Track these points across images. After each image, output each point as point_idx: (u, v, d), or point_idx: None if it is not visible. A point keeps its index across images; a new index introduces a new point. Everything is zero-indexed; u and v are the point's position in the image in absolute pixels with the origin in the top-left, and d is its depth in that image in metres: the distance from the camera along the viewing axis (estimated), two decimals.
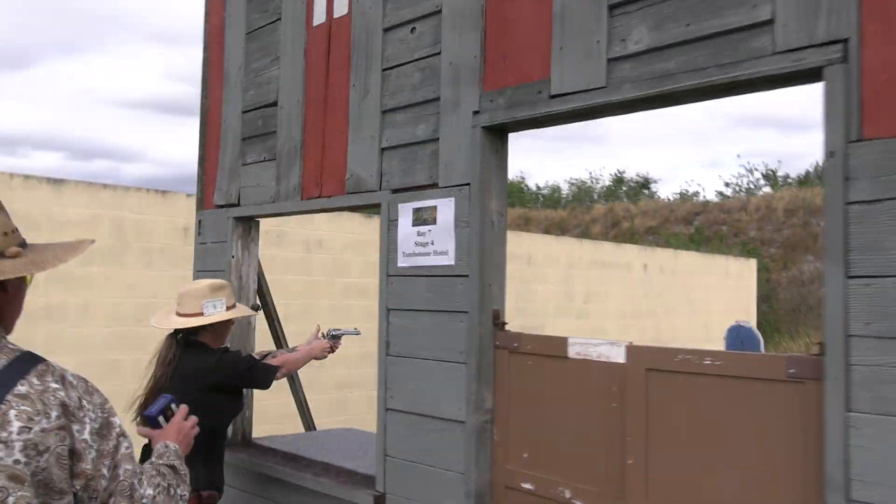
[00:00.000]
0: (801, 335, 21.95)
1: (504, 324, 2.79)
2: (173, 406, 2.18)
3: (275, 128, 3.73)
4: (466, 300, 2.77)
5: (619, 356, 2.38)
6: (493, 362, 2.76)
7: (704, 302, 13.28)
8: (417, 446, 2.92)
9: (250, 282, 4.06)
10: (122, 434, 1.69)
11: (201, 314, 3.16)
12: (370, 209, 3.48)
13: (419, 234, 2.96)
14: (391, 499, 2.99)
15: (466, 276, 2.78)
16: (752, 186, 35.47)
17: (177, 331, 3.20)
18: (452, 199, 2.84)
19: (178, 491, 1.91)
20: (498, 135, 2.83)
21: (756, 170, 35.83)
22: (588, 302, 10.82)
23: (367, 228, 8.22)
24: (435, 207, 2.90)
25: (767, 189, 34.89)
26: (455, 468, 2.77)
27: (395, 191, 3.09)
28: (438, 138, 2.93)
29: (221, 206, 4.08)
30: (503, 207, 2.84)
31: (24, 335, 2.00)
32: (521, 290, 9.93)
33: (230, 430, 3.77)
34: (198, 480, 3.08)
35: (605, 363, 2.43)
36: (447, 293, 2.84)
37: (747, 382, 2.07)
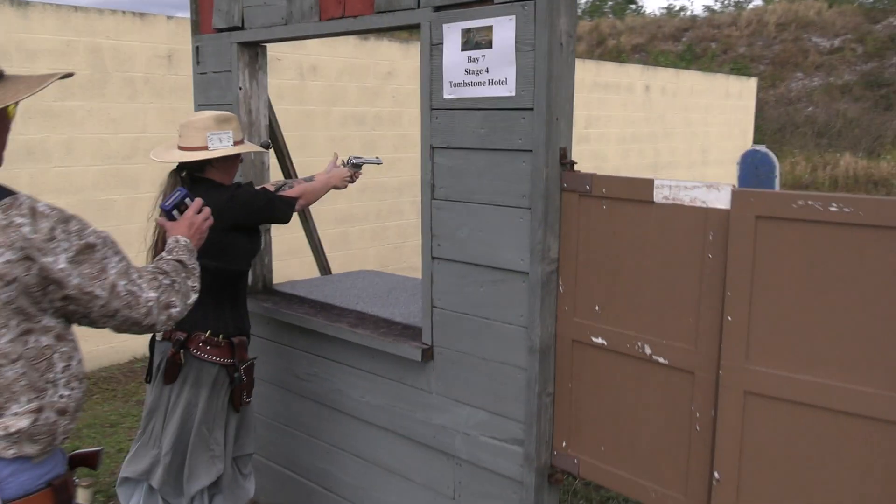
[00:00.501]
0: (785, 154, 21.87)
1: (572, 163, 2.46)
2: (187, 200, 2.25)
3: None
4: (530, 137, 2.43)
5: (720, 201, 2.09)
6: (559, 207, 2.47)
7: (703, 124, 12.92)
8: (470, 298, 2.68)
9: (261, 116, 3.65)
10: (111, 253, 1.72)
11: (206, 148, 2.80)
12: (396, 31, 3.03)
13: (470, 59, 2.55)
14: (440, 352, 2.80)
15: (530, 108, 2.41)
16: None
17: (180, 166, 2.85)
18: (513, 17, 2.41)
19: (188, 283, 1.96)
20: None
21: None
22: (588, 127, 10.43)
23: (361, 52, 7.61)
24: (490, 28, 2.48)
25: (758, 2, 33.55)
26: (515, 321, 2.55)
27: (439, 8, 2.64)
28: None
29: (222, 30, 3.57)
30: (573, 27, 2.42)
31: (6, 177, 1.85)
32: None
33: (250, 276, 3.52)
34: (227, 327, 2.87)
35: (700, 209, 2.13)
36: (506, 129, 2.49)
37: (887, 233, 1.80)
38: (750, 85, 14.17)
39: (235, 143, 2.86)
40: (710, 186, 2.12)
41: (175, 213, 2.24)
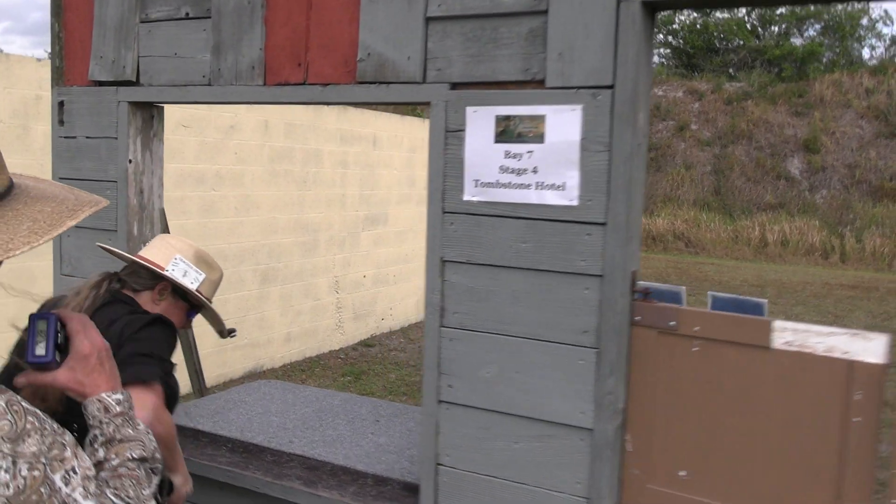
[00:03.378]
0: None
1: (647, 292, 1.97)
2: (58, 325, 1.22)
3: None
4: (598, 258, 1.91)
5: (870, 353, 1.69)
6: (627, 346, 1.96)
7: None
8: (497, 456, 2.08)
9: (154, 198, 2.79)
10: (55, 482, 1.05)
11: (162, 268, 2.01)
12: (390, 105, 2.39)
13: (509, 155, 1.99)
14: None
15: (601, 223, 1.90)
16: None
17: (113, 273, 2.03)
18: (578, 108, 1.90)
19: (143, 492, 1.20)
20: (650, 12, 1.91)
21: None
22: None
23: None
24: (542, 118, 1.94)
25: None
26: (570, 489, 1.98)
27: (459, 85, 2.07)
28: (547, 10, 1.93)
29: (101, 84, 2.70)
30: (647, 124, 1.96)
31: None
32: (366, 175, 8.95)
33: None
34: None
35: (841, 360, 1.73)
36: (561, 246, 1.95)
37: None
38: None
39: (201, 294, 2.09)
40: (856, 335, 1.72)
41: (57, 356, 1.22)
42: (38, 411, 1.11)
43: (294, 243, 7.90)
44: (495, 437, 2.09)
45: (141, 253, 2.05)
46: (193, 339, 3.63)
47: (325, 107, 8.15)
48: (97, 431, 1.22)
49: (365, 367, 7.99)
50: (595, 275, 1.92)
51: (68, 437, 1.13)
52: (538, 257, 1.98)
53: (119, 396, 1.24)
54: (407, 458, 2.62)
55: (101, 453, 1.19)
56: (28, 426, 1.06)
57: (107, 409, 1.22)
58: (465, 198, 2.07)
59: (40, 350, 1.19)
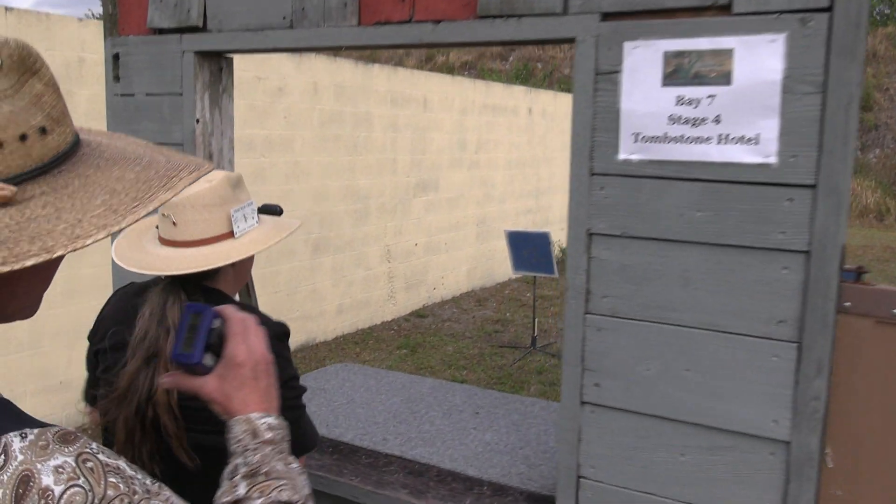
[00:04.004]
0: None
1: (862, 271, 1.57)
2: (217, 323, 1.04)
3: None
4: (803, 231, 1.51)
5: None
6: (832, 338, 1.57)
7: None
8: (656, 470, 1.71)
9: (224, 165, 2.45)
10: None
11: (231, 235, 1.60)
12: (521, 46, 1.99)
13: (681, 101, 1.59)
14: None
15: (808, 186, 1.50)
16: None
17: (175, 277, 1.63)
18: (780, 37, 1.49)
19: None
20: None
21: None
22: (479, 151, 9.68)
23: (247, 63, 6.33)
24: (729, 53, 1.53)
25: None
26: None
27: (611, 15, 1.66)
28: None
29: (166, 31, 2.34)
30: (861, 63, 1.54)
31: None
32: (417, 139, 8.55)
33: None
34: None
35: None
36: (753, 215, 1.55)
37: None
38: None
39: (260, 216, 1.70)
40: None
41: (207, 358, 1.03)
42: (121, 462, 0.77)
43: (345, 211, 7.57)
44: (655, 448, 1.72)
45: (179, 238, 1.61)
46: (253, 287, 3.27)
47: (375, 68, 7.75)
48: (239, 460, 0.96)
49: (420, 339, 7.68)
50: (798, 251, 1.52)
51: (166, 493, 0.80)
52: (719, 229, 1.59)
53: (272, 420, 1.00)
54: (522, 459, 2.27)
55: (241, 489, 0.92)
56: (110, 492, 0.73)
57: (255, 434, 0.97)
58: (622, 156, 1.67)
59: (188, 347, 1.00)
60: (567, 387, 1.80)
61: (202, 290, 1.58)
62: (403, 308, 8.66)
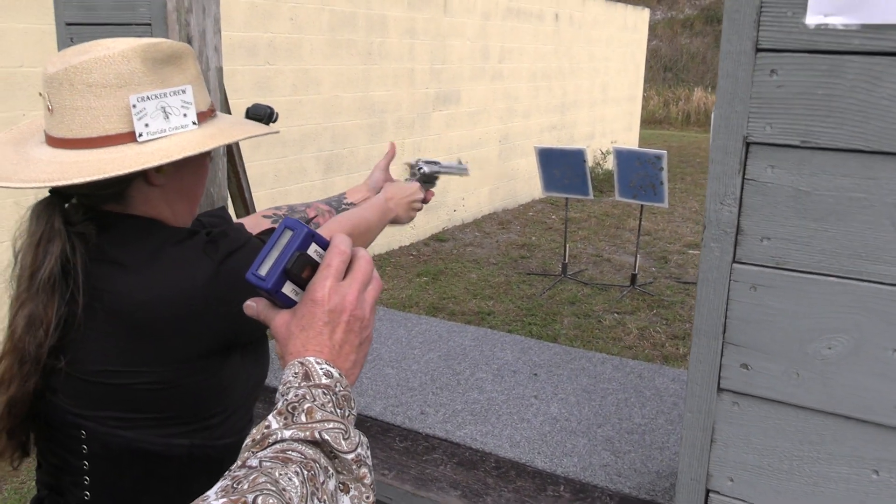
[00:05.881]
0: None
1: None
2: (317, 244, 0.79)
3: None
4: None
5: None
6: None
7: (603, 58, 11.81)
8: (836, 489, 1.18)
9: (208, 52, 1.85)
10: None
11: (132, 137, 1.01)
12: None
13: None
14: None
15: None
16: None
17: (59, 193, 1.07)
18: None
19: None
20: None
21: None
22: (502, 61, 8.92)
23: None
24: None
25: None
26: None
27: None
28: None
29: None
30: None
31: None
32: (437, 46, 7.81)
33: None
34: None
35: None
36: None
37: None
38: (643, 16, 13.22)
39: (201, 116, 1.11)
40: None
41: (288, 288, 0.78)
42: None
43: (359, 126, 6.93)
44: (832, 459, 1.18)
45: (59, 135, 1.02)
46: (242, 164, 2.68)
47: None
48: (279, 402, 0.73)
49: (441, 265, 7.15)
50: None
51: None
52: None
53: (334, 371, 0.76)
54: (603, 443, 1.75)
55: (273, 424, 0.70)
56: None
57: (307, 376, 0.74)
58: (810, 20, 1.07)
59: (265, 268, 0.76)
60: (697, 366, 1.25)
61: (103, 217, 1.04)
62: (422, 232, 8.11)
